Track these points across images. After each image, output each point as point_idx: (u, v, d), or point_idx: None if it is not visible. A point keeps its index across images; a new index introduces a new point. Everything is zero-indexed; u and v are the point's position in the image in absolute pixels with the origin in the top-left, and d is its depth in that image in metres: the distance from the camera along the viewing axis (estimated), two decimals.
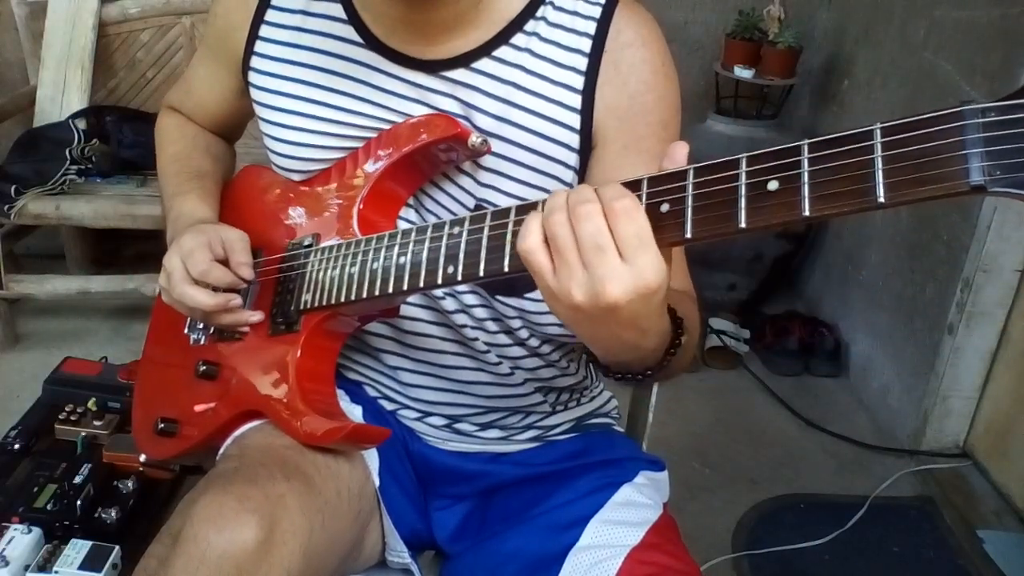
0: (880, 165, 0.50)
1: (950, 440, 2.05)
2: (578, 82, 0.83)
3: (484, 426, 0.98)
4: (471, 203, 0.86)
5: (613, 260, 0.57)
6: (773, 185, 0.54)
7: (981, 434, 2.02)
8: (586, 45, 0.83)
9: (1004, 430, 1.94)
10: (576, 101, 0.83)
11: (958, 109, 0.48)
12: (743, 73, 2.45)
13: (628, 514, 0.88)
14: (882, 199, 0.50)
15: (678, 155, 0.60)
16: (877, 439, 2.14)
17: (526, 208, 0.65)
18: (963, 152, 0.48)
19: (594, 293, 0.58)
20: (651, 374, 0.75)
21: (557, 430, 1.01)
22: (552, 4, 0.84)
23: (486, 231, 0.68)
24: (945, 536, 1.83)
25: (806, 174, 0.53)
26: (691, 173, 0.58)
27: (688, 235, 0.57)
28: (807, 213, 0.53)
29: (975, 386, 1.99)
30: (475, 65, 0.84)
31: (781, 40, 2.42)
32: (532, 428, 0.99)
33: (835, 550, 1.77)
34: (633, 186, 0.60)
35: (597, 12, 0.83)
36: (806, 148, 0.54)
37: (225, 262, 0.88)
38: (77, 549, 1.36)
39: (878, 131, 0.51)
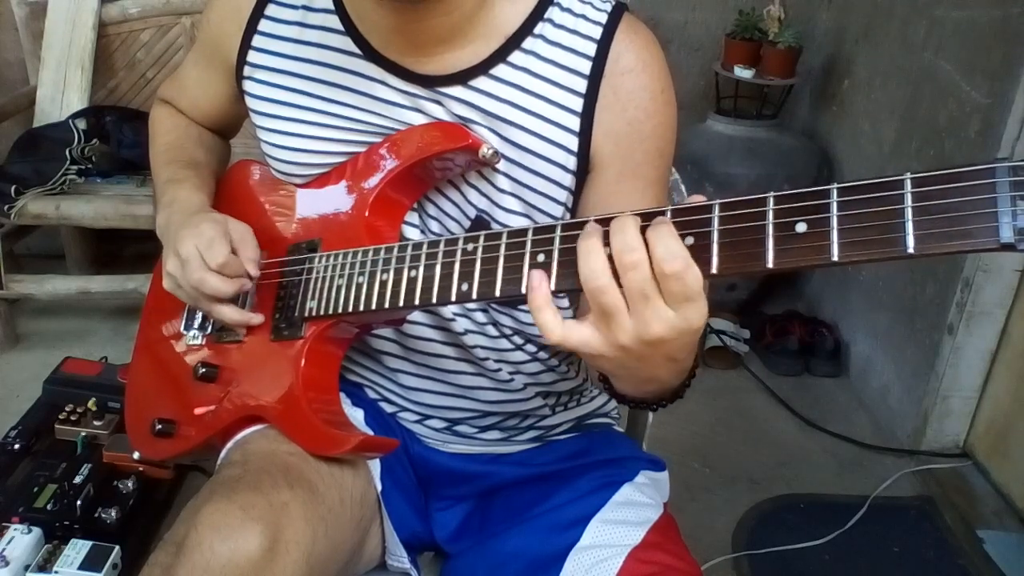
0: (910, 216, 0.50)
1: (950, 440, 2.05)
2: (577, 104, 0.82)
3: (484, 428, 0.98)
4: (472, 213, 0.86)
5: (658, 306, 0.57)
6: (801, 227, 0.53)
7: (981, 434, 2.02)
8: (585, 67, 0.82)
9: (1004, 430, 1.94)
10: (575, 123, 0.82)
11: (990, 166, 0.48)
12: (743, 73, 2.45)
13: (629, 513, 0.88)
14: (911, 250, 0.50)
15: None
16: (877, 439, 2.14)
17: (543, 229, 0.64)
18: (994, 209, 0.47)
19: (638, 333, 0.58)
20: (665, 404, 0.77)
21: (557, 430, 1.01)
22: (551, 21, 0.83)
23: (503, 250, 0.66)
24: (945, 536, 1.83)
25: (835, 219, 0.52)
26: (717, 208, 0.57)
27: (714, 270, 0.56)
28: (836, 258, 0.52)
29: (975, 386, 1.99)
30: (473, 83, 0.83)
31: (781, 40, 2.42)
32: (532, 429, 0.99)
33: (835, 550, 1.77)
34: (656, 216, 0.59)
35: (598, 33, 0.82)
36: (835, 192, 0.53)
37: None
38: (77, 549, 1.36)
39: (908, 181, 0.50)
